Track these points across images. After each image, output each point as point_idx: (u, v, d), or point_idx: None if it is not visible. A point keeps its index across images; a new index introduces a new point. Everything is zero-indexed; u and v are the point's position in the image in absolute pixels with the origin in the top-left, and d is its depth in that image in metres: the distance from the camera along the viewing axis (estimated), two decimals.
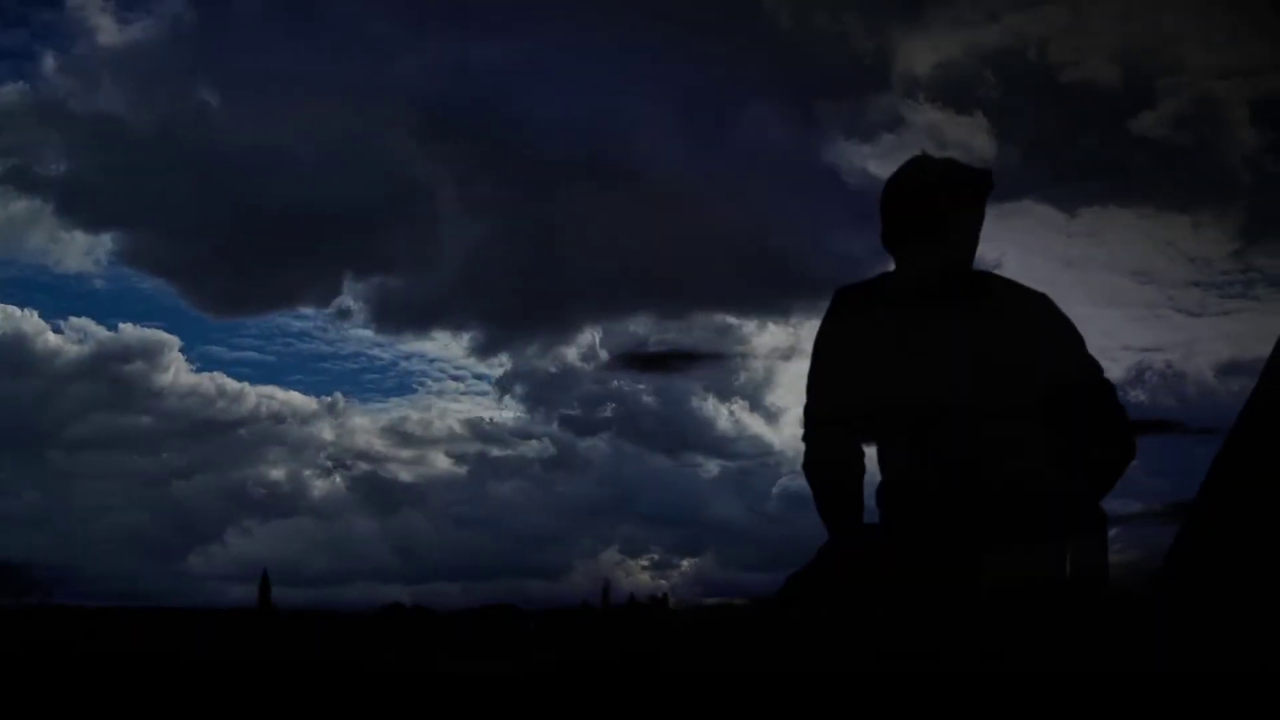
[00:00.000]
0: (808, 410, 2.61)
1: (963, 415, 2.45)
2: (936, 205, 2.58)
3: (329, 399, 33.16)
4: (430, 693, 4.90)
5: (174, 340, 30.24)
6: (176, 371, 30.60)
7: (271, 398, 31.67)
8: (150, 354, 30.57)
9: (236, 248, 30.51)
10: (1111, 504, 2.61)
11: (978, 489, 2.44)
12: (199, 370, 32.06)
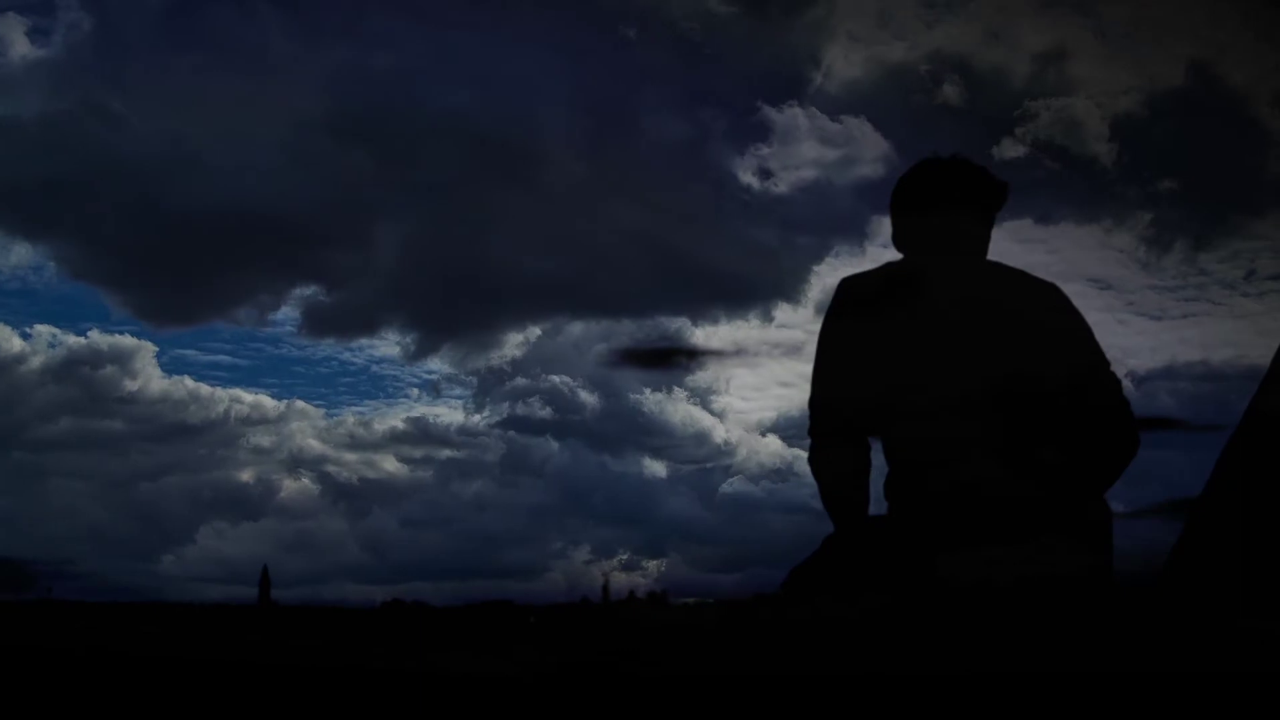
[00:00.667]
0: (813, 402, 2.61)
1: (966, 409, 2.46)
2: (945, 208, 2.59)
3: (299, 403, 34.11)
4: (445, 692, 4.93)
5: (147, 346, 30.95)
6: (148, 376, 31.23)
7: (240, 401, 32.41)
8: (122, 359, 31.18)
9: (167, 257, 31.24)
10: (1115, 500, 2.63)
11: (979, 483, 2.45)
12: (170, 375, 32.91)
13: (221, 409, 31.60)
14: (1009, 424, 2.49)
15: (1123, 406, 2.59)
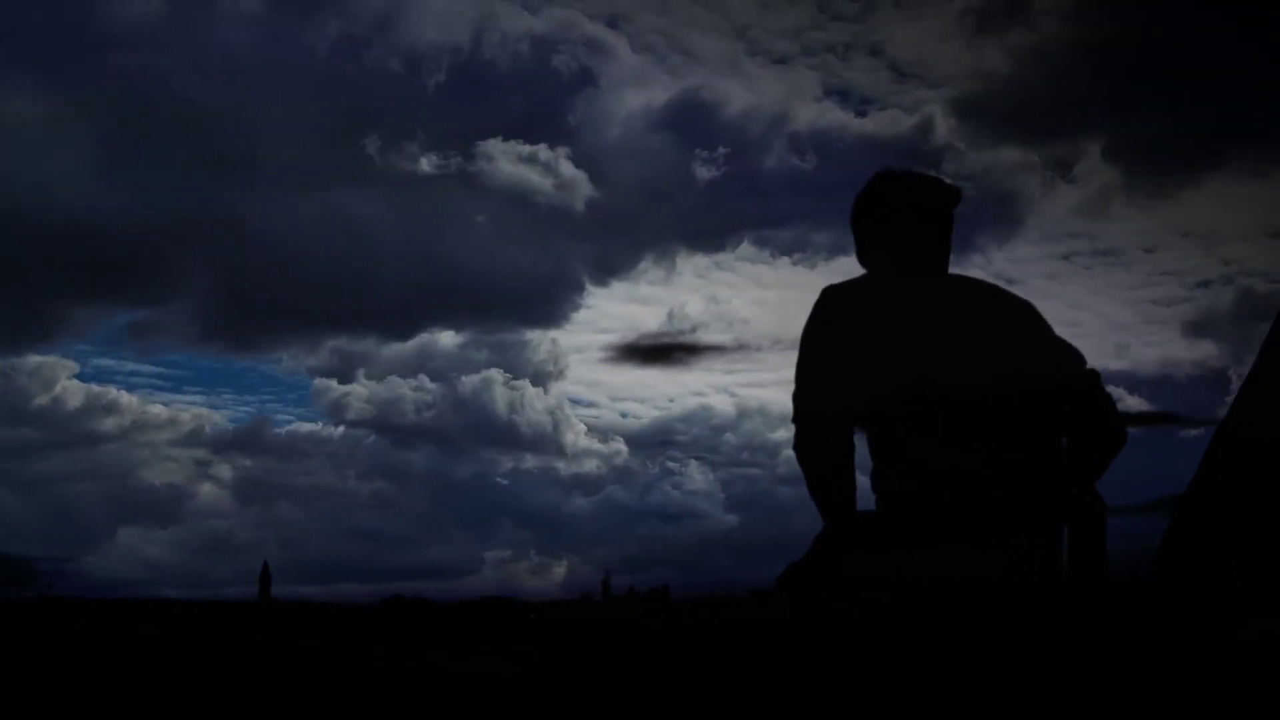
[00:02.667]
0: (797, 396, 2.65)
1: (954, 406, 2.49)
2: (905, 221, 2.63)
3: (215, 411, 35.26)
4: (445, 692, 4.95)
5: (66, 362, 31.65)
6: (64, 387, 32.00)
7: (155, 412, 33.19)
8: (38, 371, 31.92)
9: None
10: (1107, 496, 2.65)
11: (972, 479, 2.48)
12: (88, 382, 33.80)
13: (136, 416, 32.46)
14: (981, 428, 2.52)
15: (1107, 400, 2.63)
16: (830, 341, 2.61)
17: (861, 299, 2.63)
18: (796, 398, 2.63)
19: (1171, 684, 2.81)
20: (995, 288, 2.70)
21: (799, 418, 2.62)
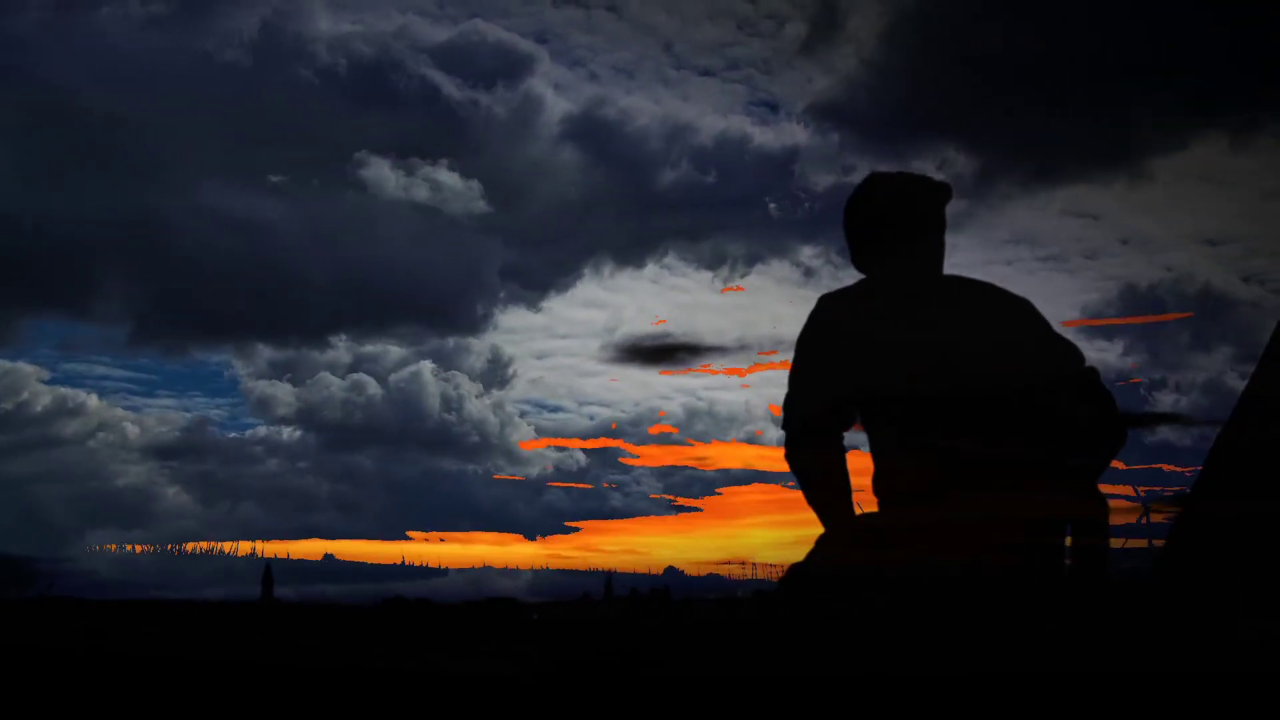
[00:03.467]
0: (789, 402, 2.65)
1: (953, 406, 2.49)
2: (898, 221, 2.64)
3: (176, 414, 36.17)
4: (445, 692, 4.95)
5: (30, 368, 32.43)
6: (33, 391, 32.69)
7: (119, 415, 33.82)
8: (4, 377, 32.48)
9: None
10: (1108, 496, 2.65)
11: (974, 478, 2.48)
12: (54, 385, 34.72)
13: (101, 420, 33.14)
14: (981, 428, 2.52)
15: (1107, 398, 2.63)
16: (824, 347, 2.62)
17: (856, 304, 2.64)
18: (788, 404, 2.64)
19: (1171, 684, 2.80)
20: (992, 286, 2.70)
21: (790, 423, 2.62)
